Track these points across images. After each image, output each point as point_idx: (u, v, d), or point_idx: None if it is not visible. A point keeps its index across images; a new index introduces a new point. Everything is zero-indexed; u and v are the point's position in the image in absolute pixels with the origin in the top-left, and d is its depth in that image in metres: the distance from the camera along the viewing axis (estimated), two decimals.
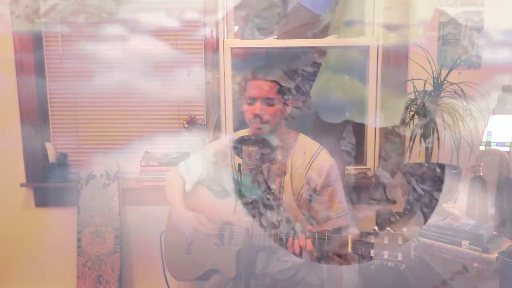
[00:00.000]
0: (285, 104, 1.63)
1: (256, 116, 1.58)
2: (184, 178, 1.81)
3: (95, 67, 2.30)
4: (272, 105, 1.59)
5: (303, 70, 2.31)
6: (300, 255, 1.49)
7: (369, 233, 1.34)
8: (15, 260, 2.43)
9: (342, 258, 1.51)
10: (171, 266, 1.81)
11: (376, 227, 1.35)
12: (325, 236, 1.44)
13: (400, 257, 1.28)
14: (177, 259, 1.78)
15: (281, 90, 1.61)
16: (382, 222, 1.98)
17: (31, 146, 2.31)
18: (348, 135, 2.37)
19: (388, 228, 1.32)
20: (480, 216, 1.70)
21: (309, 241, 1.44)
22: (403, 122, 2.03)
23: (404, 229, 1.31)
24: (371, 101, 2.28)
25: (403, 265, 1.27)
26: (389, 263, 1.29)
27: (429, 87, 1.98)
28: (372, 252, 1.32)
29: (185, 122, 2.29)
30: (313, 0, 2.32)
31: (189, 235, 1.70)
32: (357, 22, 2.25)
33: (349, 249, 1.38)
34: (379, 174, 2.25)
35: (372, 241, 1.32)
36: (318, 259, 1.67)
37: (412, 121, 2.02)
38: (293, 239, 1.47)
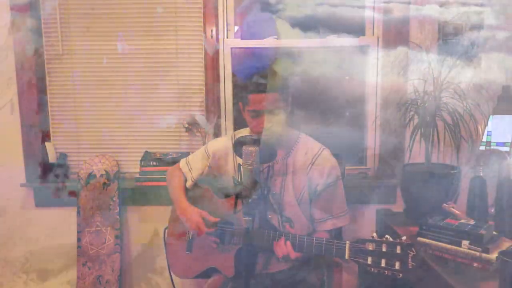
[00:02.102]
0: (286, 111, 1.63)
1: (263, 128, 1.58)
2: (186, 174, 1.81)
3: (95, 66, 2.30)
4: (276, 115, 1.59)
5: None
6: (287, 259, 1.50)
7: (367, 240, 1.34)
8: (15, 260, 2.43)
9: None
10: (173, 263, 1.82)
11: (374, 234, 1.34)
12: (322, 241, 1.44)
13: (397, 266, 1.27)
14: (177, 256, 1.79)
15: (283, 97, 1.61)
16: None
17: (31, 146, 2.31)
18: None
19: (386, 236, 1.32)
20: (480, 216, 1.70)
21: (288, 244, 1.45)
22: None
23: (404, 237, 1.31)
24: (371, 101, 2.28)
25: (400, 275, 1.27)
26: (386, 271, 1.28)
27: (429, 87, 1.98)
28: (369, 260, 1.31)
29: (185, 122, 2.29)
30: None
31: (191, 230, 1.71)
32: None
33: (347, 256, 1.37)
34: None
35: (370, 248, 1.32)
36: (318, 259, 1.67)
37: (412, 121, 2.02)
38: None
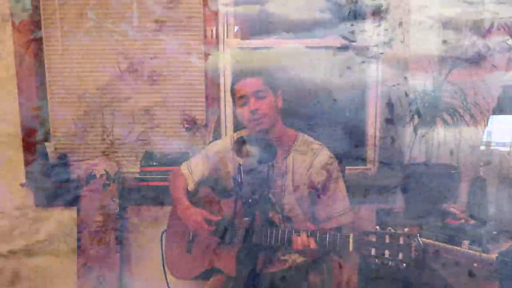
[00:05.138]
0: (275, 96, 1.64)
1: (253, 111, 1.59)
2: (187, 178, 1.81)
3: (95, 66, 2.30)
4: (264, 97, 1.61)
5: None
6: (303, 253, 1.49)
7: (370, 233, 1.34)
8: (15, 260, 2.43)
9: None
10: (172, 265, 1.82)
11: (377, 227, 1.34)
12: (326, 234, 1.44)
13: (400, 256, 1.27)
14: (177, 258, 1.79)
15: (268, 82, 1.63)
16: None
17: (31, 146, 2.31)
18: None
19: (389, 228, 1.32)
20: (480, 216, 1.70)
21: (311, 239, 1.43)
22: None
23: (406, 229, 1.31)
24: (371, 101, 2.28)
25: (404, 264, 1.27)
26: (390, 262, 1.28)
27: (429, 87, 1.98)
28: (373, 251, 1.31)
29: (185, 122, 2.29)
30: None
31: (193, 231, 1.71)
32: None
33: (350, 248, 1.37)
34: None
35: (373, 240, 1.32)
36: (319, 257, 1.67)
37: (412, 121, 2.03)
38: (295, 237, 1.47)
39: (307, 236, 1.44)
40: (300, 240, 1.45)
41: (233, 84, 1.69)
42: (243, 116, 1.64)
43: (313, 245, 1.42)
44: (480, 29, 2.13)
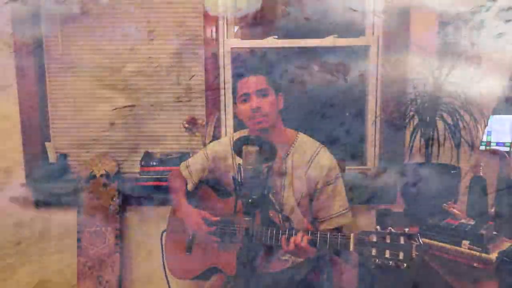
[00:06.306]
0: (277, 96, 1.64)
1: (255, 109, 1.59)
2: (186, 178, 1.82)
3: (95, 66, 2.30)
4: (266, 95, 1.61)
5: None
6: (297, 254, 1.49)
7: (371, 232, 1.34)
8: (15, 260, 2.43)
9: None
10: (172, 265, 1.82)
11: (378, 227, 1.34)
12: (326, 234, 1.43)
13: (401, 256, 1.27)
14: (177, 258, 1.79)
15: (270, 82, 1.63)
16: None
17: (31, 146, 2.31)
18: None
19: (389, 227, 1.32)
20: (480, 216, 1.70)
21: (305, 239, 1.43)
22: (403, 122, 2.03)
23: (406, 229, 1.31)
24: (371, 100, 2.28)
25: (404, 264, 1.27)
26: (390, 262, 1.28)
27: (429, 87, 1.98)
28: (373, 251, 1.31)
29: (185, 122, 2.29)
30: None
31: (192, 231, 1.71)
32: None
33: (351, 248, 1.37)
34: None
35: (374, 240, 1.32)
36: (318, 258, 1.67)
37: (412, 121, 2.03)
38: (289, 237, 1.46)
39: (301, 236, 1.44)
40: (293, 239, 1.44)
41: (235, 81, 1.69)
42: (244, 114, 1.64)
43: (305, 243, 1.42)
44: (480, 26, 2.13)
